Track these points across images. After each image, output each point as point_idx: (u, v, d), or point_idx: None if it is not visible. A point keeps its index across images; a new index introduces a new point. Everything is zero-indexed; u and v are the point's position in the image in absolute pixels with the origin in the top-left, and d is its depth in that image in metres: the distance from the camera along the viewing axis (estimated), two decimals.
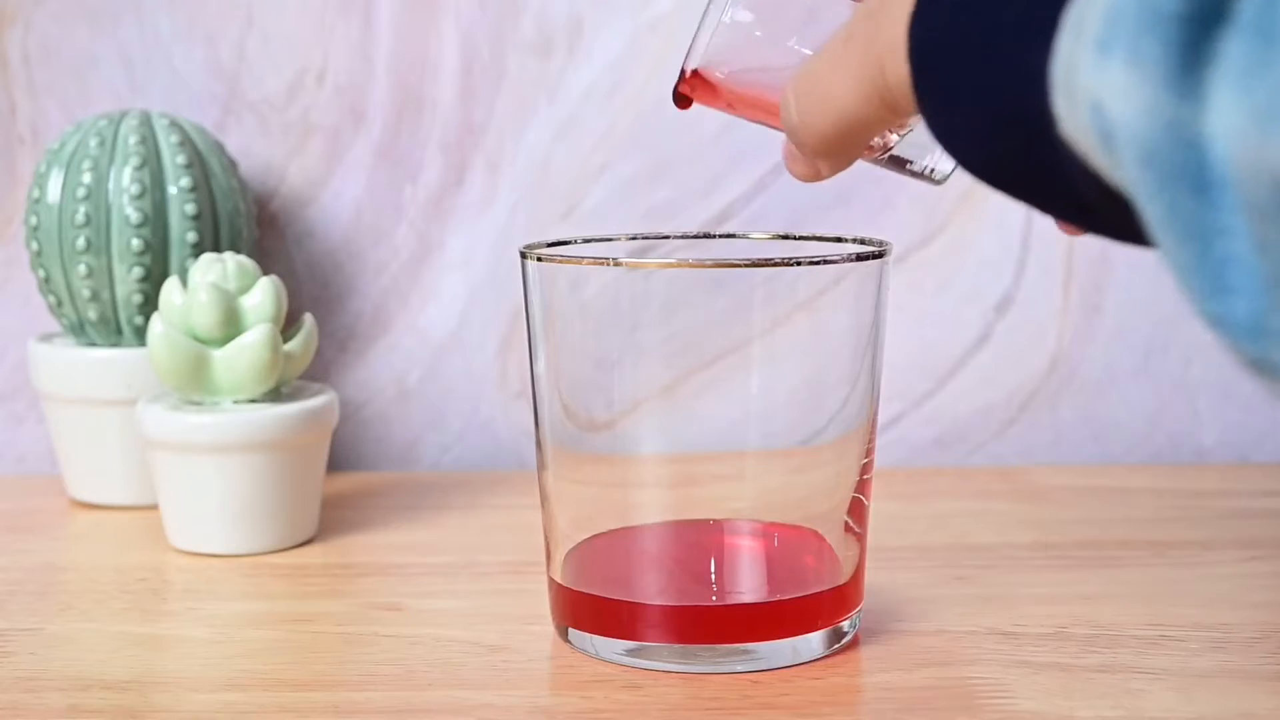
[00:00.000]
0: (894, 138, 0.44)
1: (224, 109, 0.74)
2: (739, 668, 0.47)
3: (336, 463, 0.74)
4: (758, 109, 0.45)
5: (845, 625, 0.49)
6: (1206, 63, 0.25)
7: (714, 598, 0.48)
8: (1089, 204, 0.33)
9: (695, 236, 0.57)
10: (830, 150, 0.41)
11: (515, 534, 0.62)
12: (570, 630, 0.49)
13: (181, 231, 0.66)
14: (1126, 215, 0.30)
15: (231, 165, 0.69)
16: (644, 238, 0.54)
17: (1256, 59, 0.24)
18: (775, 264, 0.46)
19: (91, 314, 0.67)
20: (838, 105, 0.38)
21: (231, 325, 0.61)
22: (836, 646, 0.49)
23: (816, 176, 0.43)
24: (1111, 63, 0.27)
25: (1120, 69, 0.27)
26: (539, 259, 0.48)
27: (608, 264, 0.46)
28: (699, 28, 0.43)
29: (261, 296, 0.61)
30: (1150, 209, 0.27)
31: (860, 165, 0.45)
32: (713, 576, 0.49)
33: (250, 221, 0.70)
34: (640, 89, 0.74)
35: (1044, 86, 0.31)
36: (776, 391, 0.48)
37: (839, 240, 0.50)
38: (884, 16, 0.36)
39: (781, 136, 0.43)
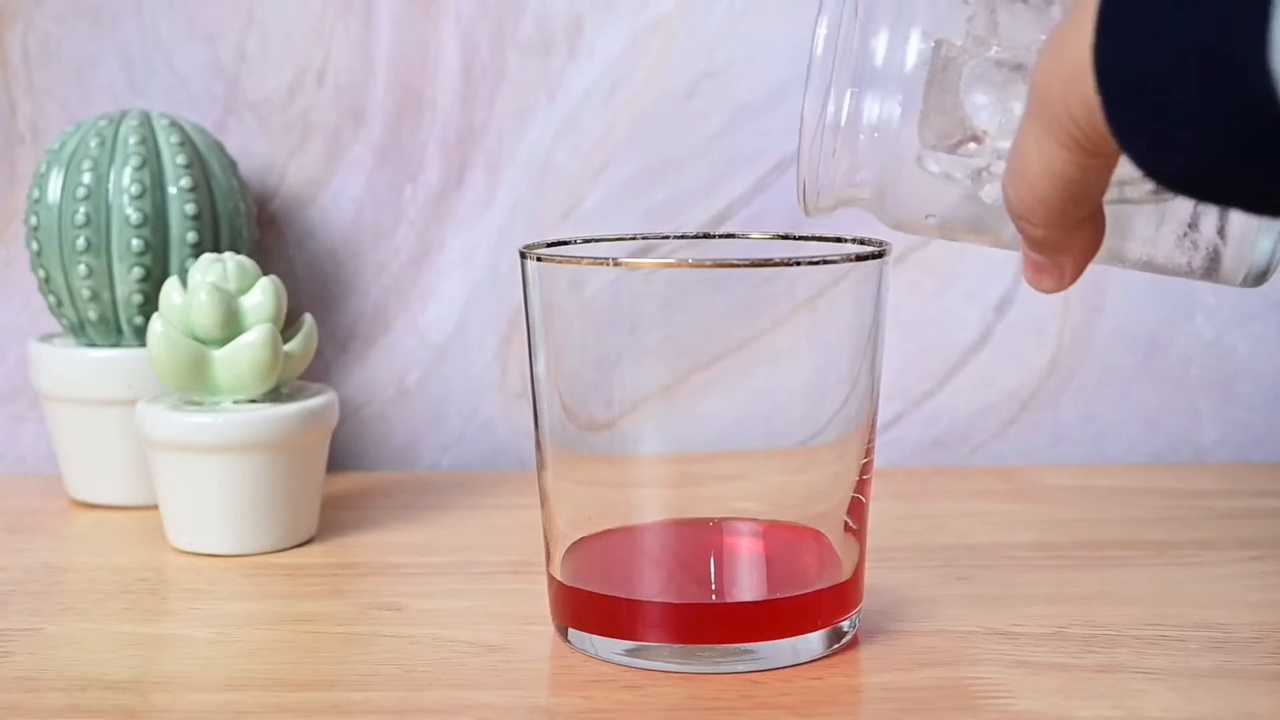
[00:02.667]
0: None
1: (224, 109, 0.74)
2: (739, 667, 0.47)
3: (336, 463, 0.74)
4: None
5: (845, 625, 0.49)
6: None
7: (713, 597, 0.48)
8: None
9: (695, 236, 0.57)
10: (1057, 221, 0.39)
11: (515, 534, 0.62)
12: (570, 630, 0.49)
13: (181, 231, 0.66)
14: None
15: (231, 165, 0.69)
16: (644, 238, 0.54)
17: None
18: (775, 264, 0.46)
19: (91, 314, 0.67)
20: (1039, 166, 0.38)
21: (231, 325, 0.61)
22: (836, 646, 0.49)
23: (1061, 280, 0.42)
24: None
25: None
26: (539, 259, 0.48)
27: (607, 264, 0.46)
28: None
29: (261, 296, 0.61)
30: None
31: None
32: (712, 576, 0.49)
33: (250, 221, 0.70)
34: (640, 89, 0.74)
35: (1265, 78, 0.30)
36: (776, 391, 0.48)
37: (839, 240, 0.50)
38: (1060, 54, 0.35)
39: None
